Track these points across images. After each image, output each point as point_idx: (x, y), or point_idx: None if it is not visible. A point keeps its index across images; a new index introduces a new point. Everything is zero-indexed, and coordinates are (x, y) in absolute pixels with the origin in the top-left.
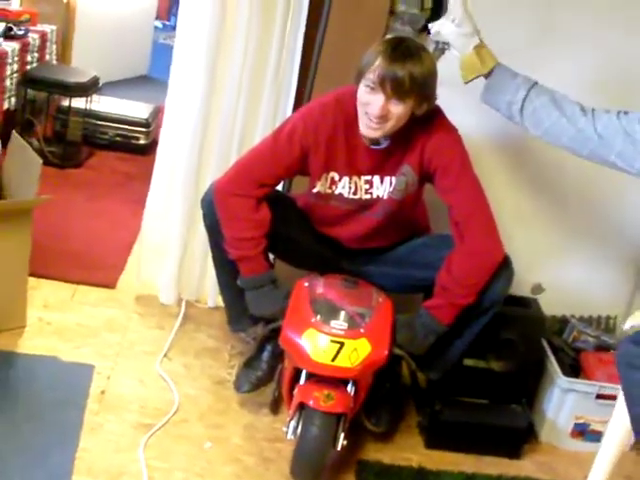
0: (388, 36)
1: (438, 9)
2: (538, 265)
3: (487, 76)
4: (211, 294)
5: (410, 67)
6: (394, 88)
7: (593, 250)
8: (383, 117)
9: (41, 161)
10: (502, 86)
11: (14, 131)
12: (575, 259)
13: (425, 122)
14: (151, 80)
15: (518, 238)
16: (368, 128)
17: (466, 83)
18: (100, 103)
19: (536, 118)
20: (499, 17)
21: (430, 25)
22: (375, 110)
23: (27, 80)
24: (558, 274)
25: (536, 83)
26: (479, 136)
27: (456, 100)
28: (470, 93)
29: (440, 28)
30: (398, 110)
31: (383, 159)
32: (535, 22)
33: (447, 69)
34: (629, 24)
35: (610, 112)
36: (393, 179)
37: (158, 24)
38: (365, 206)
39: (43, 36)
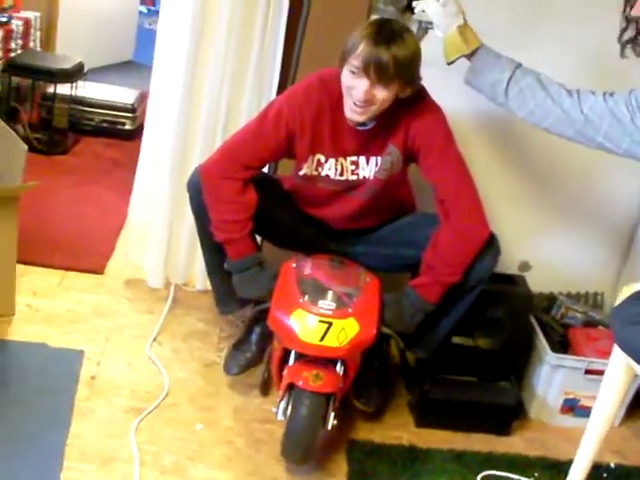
0: (372, 17)
1: None
2: (525, 243)
3: (470, 57)
4: (199, 277)
5: (394, 51)
6: (378, 73)
7: (580, 227)
8: (367, 101)
9: (27, 148)
10: (486, 67)
11: None
12: (562, 236)
13: (409, 102)
14: (136, 65)
15: (505, 216)
16: (353, 112)
17: (449, 64)
18: (85, 89)
19: (521, 99)
20: None
21: (414, 4)
22: (359, 95)
23: (11, 67)
24: (545, 251)
25: (520, 64)
26: (465, 116)
27: (441, 80)
28: (456, 73)
29: (425, 7)
30: (382, 95)
31: (368, 140)
32: (521, 3)
33: (432, 49)
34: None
35: (596, 93)
36: (379, 159)
37: (143, 9)
38: (351, 187)
39: (27, 23)
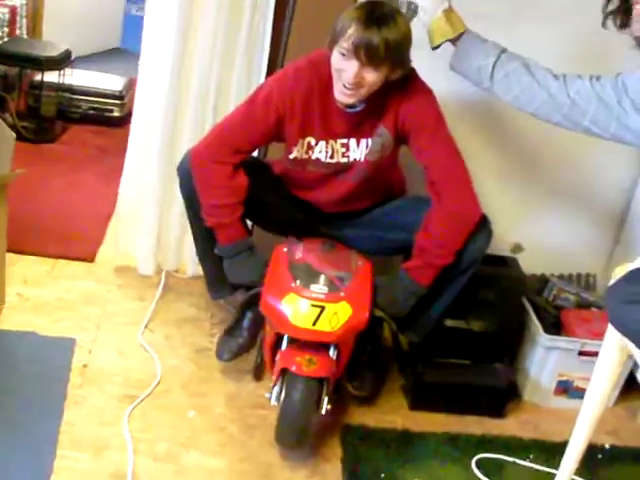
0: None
1: None
2: (517, 225)
3: (455, 42)
4: (190, 263)
5: (385, 33)
6: (368, 55)
7: (572, 209)
8: (357, 84)
9: (15, 136)
10: (471, 51)
11: None
12: (554, 218)
13: (400, 84)
14: (124, 52)
15: (497, 198)
16: (342, 94)
17: (434, 48)
18: (73, 77)
19: (507, 83)
20: None
21: None
22: (349, 77)
23: None
24: (537, 233)
25: (505, 49)
26: (455, 98)
27: (431, 62)
28: (446, 56)
29: None
30: (372, 77)
31: (359, 122)
32: None
33: (422, 31)
34: None
35: (582, 77)
36: (369, 141)
37: None
38: (342, 169)
39: (13, 10)
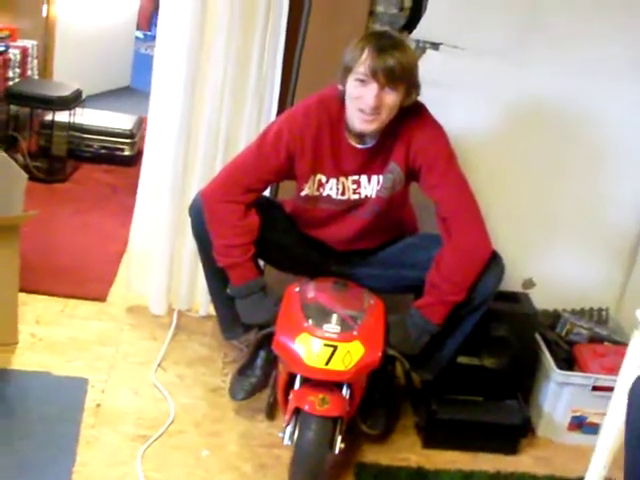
0: None
1: (418, 8)
2: (528, 260)
3: None
4: (203, 303)
5: (399, 56)
6: (387, 76)
7: (583, 243)
8: (377, 108)
9: (27, 176)
10: None
11: None
12: (565, 252)
13: (410, 119)
14: (134, 91)
15: (507, 234)
16: (363, 122)
17: None
18: (84, 116)
19: None
20: (482, 17)
21: None
22: (370, 100)
23: (9, 96)
24: (549, 268)
25: None
26: (465, 133)
27: (441, 99)
28: (456, 91)
29: None
30: (391, 99)
31: (369, 158)
32: (518, 23)
33: (430, 68)
34: (613, 25)
35: None
36: (380, 177)
37: (139, 34)
38: (354, 206)
39: (24, 51)
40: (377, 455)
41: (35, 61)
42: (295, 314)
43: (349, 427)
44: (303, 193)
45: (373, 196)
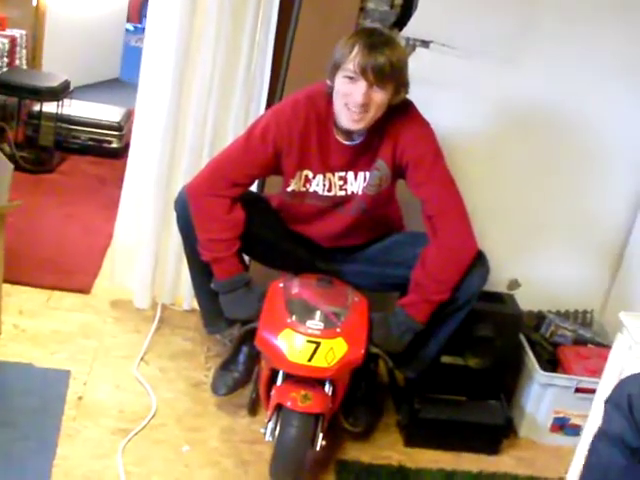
0: None
1: (408, 6)
2: (514, 261)
3: None
4: (186, 297)
5: (388, 54)
6: (376, 75)
7: (569, 245)
8: (365, 105)
9: (13, 166)
10: None
11: None
12: (551, 254)
13: (398, 117)
14: (123, 83)
15: (494, 234)
16: (351, 121)
17: None
18: (72, 107)
19: None
20: (473, 15)
21: None
22: (358, 98)
23: None
24: (534, 269)
25: None
26: (453, 132)
27: (429, 97)
28: (445, 90)
29: None
30: (379, 97)
31: (356, 155)
32: (509, 22)
33: (419, 67)
34: (604, 27)
35: None
36: (367, 174)
37: (129, 27)
38: (340, 203)
39: (13, 41)
40: (358, 453)
41: (24, 51)
42: (279, 310)
43: (331, 424)
44: (289, 188)
45: (359, 193)
